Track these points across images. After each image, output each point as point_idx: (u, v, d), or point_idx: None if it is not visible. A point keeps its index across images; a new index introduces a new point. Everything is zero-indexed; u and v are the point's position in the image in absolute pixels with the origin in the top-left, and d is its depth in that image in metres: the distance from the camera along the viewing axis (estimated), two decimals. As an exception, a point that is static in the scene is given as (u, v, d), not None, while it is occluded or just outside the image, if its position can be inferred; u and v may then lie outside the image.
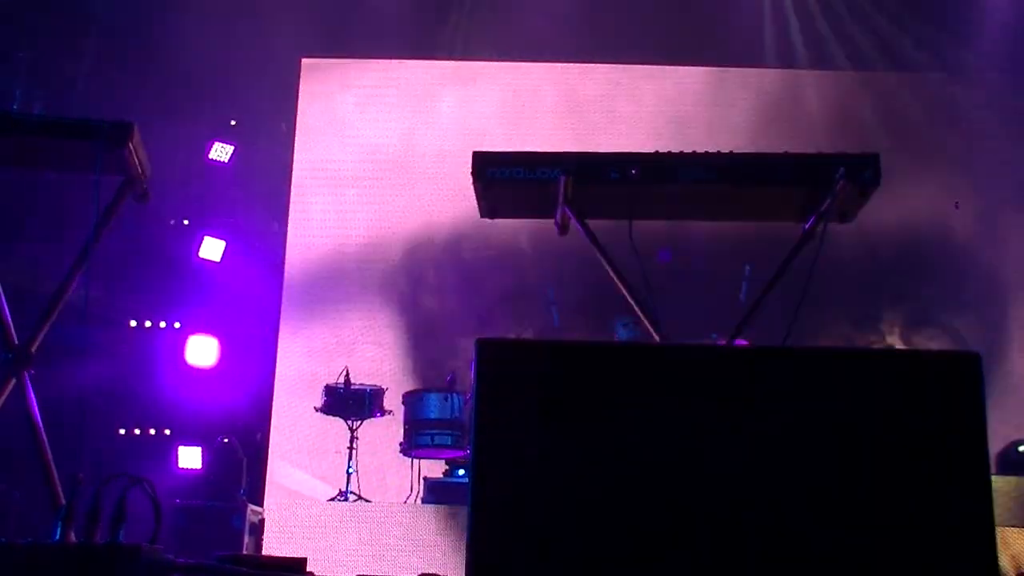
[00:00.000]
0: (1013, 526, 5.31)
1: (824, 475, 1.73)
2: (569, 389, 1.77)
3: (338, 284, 7.47)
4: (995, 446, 6.12)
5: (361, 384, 6.07)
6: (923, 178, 7.32)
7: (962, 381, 1.78)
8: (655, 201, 2.96)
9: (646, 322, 2.95)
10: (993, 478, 1.86)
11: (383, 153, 7.68)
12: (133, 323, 7.05)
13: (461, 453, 5.83)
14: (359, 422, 6.05)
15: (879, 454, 1.74)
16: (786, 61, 7.90)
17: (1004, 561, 4.22)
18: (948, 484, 1.72)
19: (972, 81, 8.05)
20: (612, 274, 2.93)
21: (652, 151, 2.91)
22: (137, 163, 3.09)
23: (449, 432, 5.80)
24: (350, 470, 5.89)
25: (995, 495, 1.79)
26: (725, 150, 2.94)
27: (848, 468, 1.74)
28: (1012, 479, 5.85)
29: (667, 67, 7.91)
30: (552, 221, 3.03)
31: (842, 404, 1.77)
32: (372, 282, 7.54)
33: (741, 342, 3.20)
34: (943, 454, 1.74)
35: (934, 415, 1.76)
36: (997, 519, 1.76)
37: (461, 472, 5.94)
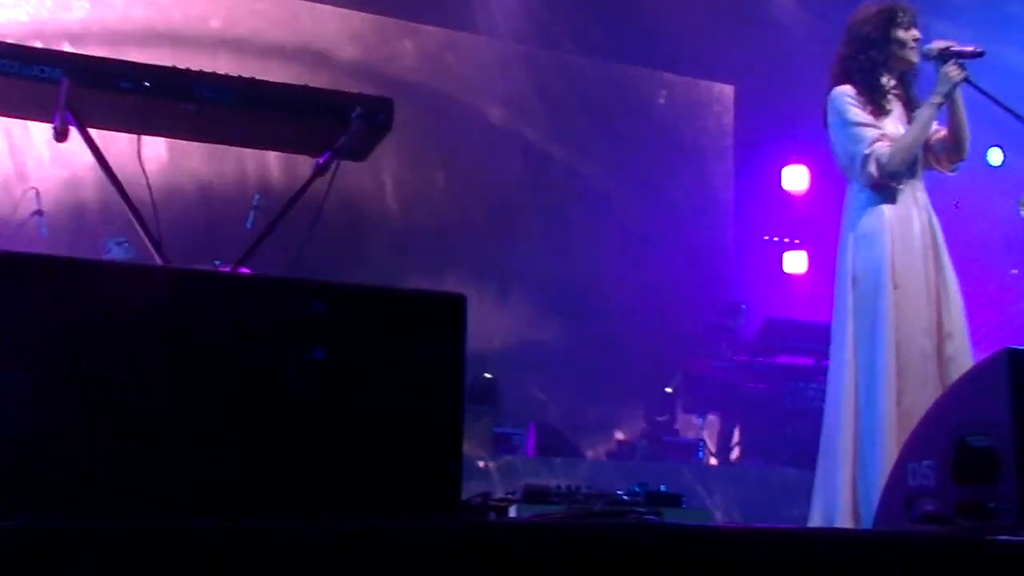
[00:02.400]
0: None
1: (297, 403, 1.77)
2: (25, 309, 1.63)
3: None
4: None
5: None
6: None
7: (446, 321, 1.91)
8: (169, 117, 2.83)
9: (148, 243, 2.82)
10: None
11: None
12: None
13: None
14: None
15: (360, 385, 1.82)
16: None
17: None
18: (423, 415, 1.84)
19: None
20: (116, 190, 2.75)
21: (171, 65, 2.76)
22: None
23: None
24: None
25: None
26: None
27: (326, 396, 1.80)
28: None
29: None
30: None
31: (326, 336, 1.82)
32: None
33: (244, 270, 3.19)
34: (421, 388, 1.86)
35: (416, 351, 1.87)
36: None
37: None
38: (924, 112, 3.73)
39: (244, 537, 1.38)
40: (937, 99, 3.70)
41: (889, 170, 3.68)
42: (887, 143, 3.70)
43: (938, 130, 3.85)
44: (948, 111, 3.76)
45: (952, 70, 3.67)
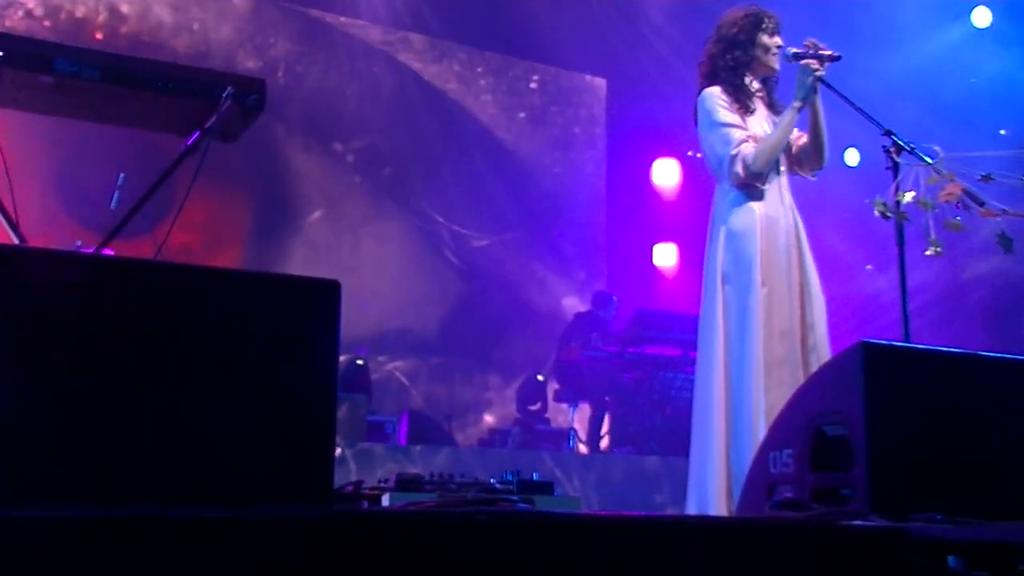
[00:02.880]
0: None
1: (167, 387, 1.73)
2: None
3: None
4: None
5: None
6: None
7: (320, 307, 1.89)
8: (27, 90, 2.68)
9: (4, 223, 2.69)
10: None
11: None
12: None
13: None
14: None
15: (233, 370, 1.79)
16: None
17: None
18: (296, 402, 1.82)
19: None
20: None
21: (28, 35, 2.62)
22: None
23: None
24: None
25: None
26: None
27: (196, 381, 1.76)
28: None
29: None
30: None
31: (199, 317, 1.78)
32: None
33: (108, 252, 3.07)
34: (294, 374, 1.84)
35: (289, 337, 1.85)
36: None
37: None
38: (786, 116, 3.87)
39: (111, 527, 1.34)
40: (798, 104, 3.84)
41: (754, 170, 3.81)
42: (752, 145, 3.83)
43: (800, 136, 4.00)
44: (809, 119, 3.91)
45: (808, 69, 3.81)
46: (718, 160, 3.88)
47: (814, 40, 3.86)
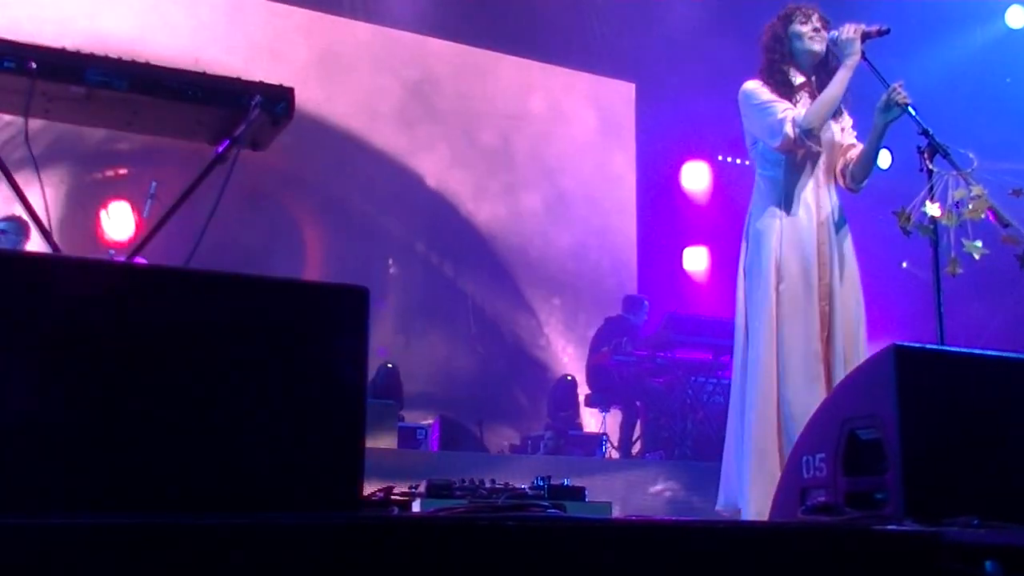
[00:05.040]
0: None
1: (197, 395, 1.74)
2: None
3: None
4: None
5: None
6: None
7: (349, 313, 1.89)
8: (58, 100, 2.71)
9: (37, 230, 2.71)
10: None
11: None
12: None
13: None
14: None
15: (262, 377, 1.80)
16: None
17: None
18: (325, 408, 1.83)
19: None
20: (2, 174, 2.63)
21: (59, 46, 2.64)
22: None
23: None
24: None
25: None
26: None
27: (226, 388, 1.77)
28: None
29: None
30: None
31: (230, 324, 1.79)
32: None
33: (140, 260, 3.10)
34: (323, 381, 1.84)
35: (318, 343, 1.85)
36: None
37: None
38: (840, 73, 3.77)
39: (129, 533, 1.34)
40: (850, 61, 3.74)
41: (806, 127, 3.72)
42: (803, 110, 3.79)
43: (854, 145, 3.95)
44: (872, 136, 3.82)
45: (849, 31, 3.73)
46: (767, 128, 3.80)
47: (856, 24, 3.76)
